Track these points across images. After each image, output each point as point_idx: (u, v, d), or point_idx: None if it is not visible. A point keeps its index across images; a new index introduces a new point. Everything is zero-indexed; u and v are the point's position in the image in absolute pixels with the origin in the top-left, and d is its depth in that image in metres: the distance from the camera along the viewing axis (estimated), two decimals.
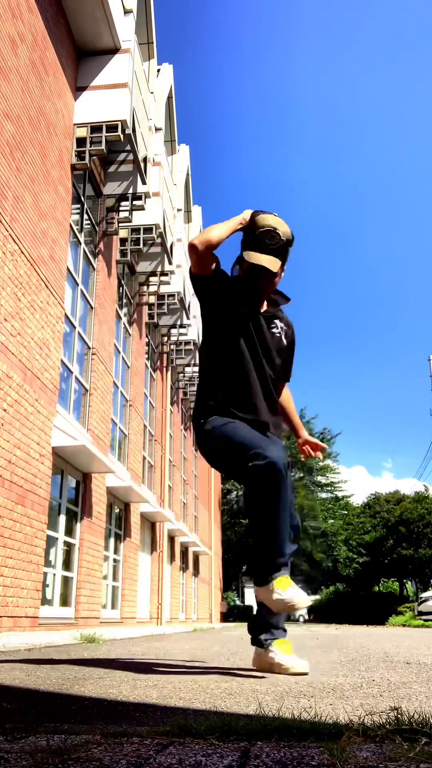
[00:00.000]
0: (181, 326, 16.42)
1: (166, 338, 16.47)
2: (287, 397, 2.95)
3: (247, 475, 2.41)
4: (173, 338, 16.68)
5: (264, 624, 2.62)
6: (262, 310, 2.70)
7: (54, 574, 8.09)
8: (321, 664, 3.06)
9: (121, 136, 9.39)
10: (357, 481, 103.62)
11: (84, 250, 9.90)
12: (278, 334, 2.71)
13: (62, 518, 8.37)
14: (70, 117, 9.07)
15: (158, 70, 14.73)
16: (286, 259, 2.63)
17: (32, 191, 7.41)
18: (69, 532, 8.67)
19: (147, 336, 14.67)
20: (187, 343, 17.49)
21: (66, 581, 8.53)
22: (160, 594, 14.46)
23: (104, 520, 9.96)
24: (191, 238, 2.78)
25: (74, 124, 9.19)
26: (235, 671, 2.66)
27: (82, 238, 9.74)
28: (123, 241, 11.76)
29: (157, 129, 13.43)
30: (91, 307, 10.08)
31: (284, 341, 2.74)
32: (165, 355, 16.74)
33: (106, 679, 2.31)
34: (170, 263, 13.83)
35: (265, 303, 2.74)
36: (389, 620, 25.14)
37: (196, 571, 21.40)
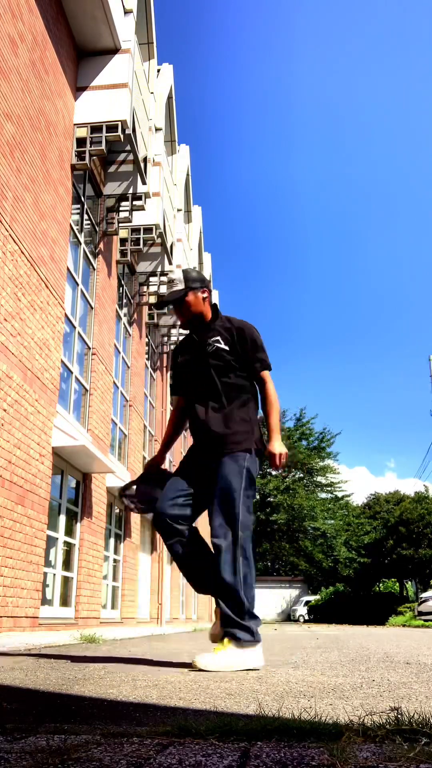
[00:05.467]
0: (182, 326, 16.40)
1: (166, 338, 16.47)
2: (265, 401, 3.13)
3: None
4: (173, 338, 16.68)
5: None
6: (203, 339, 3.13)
7: (54, 574, 8.09)
8: (321, 664, 3.06)
9: (121, 136, 9.39)
10: (359, 481, 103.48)
11: (84, 250, 9.90)
12: (212, 348, 3.07)
13: (62, 518, 8.37)
14: (70, 117, 9.07)
15: (158, 70, 14.73)
16: (187, 289, 3.11)
17: (32, 191, 7.42)
18: (69, 532, 8.67)
19: (147, 336, 14.68)
20: None
21: (66, 581, 8.53)
22: (160, 594, 14.46)
23: (104, 520, 9.97)
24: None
25: (74, 124, 9.19)
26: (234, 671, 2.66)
27: (82, 238, 9.74)
28: (123, 241, 11.76)
29: (157, 129, 13.43)
30: (91, 307, 10.08)
31: (222, 346, 3.06)
32: (165, 355, 16.74)
33: (106, 679, 2.31)
34: (170, 263, 13.83)
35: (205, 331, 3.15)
36: (389, 620, 25.12)
37: None
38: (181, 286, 3.13)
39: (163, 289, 14.55)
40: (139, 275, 13.69)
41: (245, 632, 2.74)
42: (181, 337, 16.93)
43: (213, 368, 3.04)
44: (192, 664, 2.70)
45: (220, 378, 3.03)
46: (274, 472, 34.52)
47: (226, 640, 2.74)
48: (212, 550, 2.88)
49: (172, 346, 16.93)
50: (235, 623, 2.74)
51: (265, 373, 3.10)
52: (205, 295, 3.14)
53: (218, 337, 3.07)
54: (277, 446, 2.98)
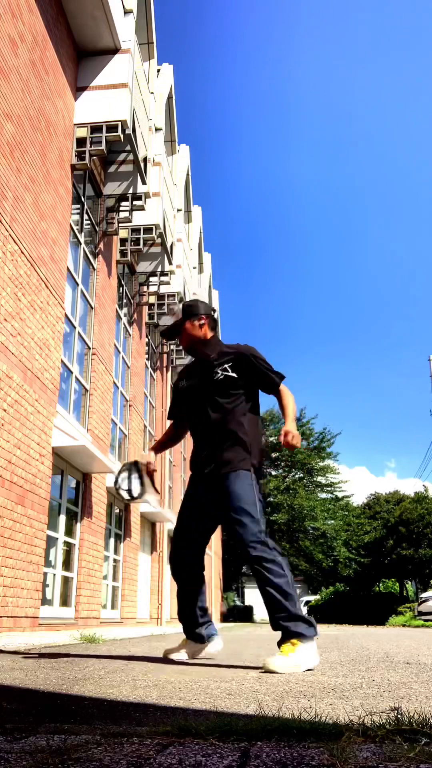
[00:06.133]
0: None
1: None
2: (282, 401, 3.26)
3: None
4: (173, 338, 16.66)
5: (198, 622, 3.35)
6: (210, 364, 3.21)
7: (54, 574, 8.09)
8: (321, 664, 3.06)
9: (121, 136, 9.39)
10: (359, 481, 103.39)
11: (84, 250, 9.90)
12: (220, 376, 3.15)
13: (62, 518, 8.37)
14: (70, 117, 9.07)
15: (158, 70, 14.73)
16: (184, 319, 3.33)
17: (32, 191, 7.41)
18: (69, 532, 8.67)
19: (147, 336, 14.68)
20: None
21: (66, 581, 8.53)
22: (160, 594, 14.46)
23: (104, 520, 9.97)
24: None
25: (74, 124, 9.19)
26: (235, 668, 2.66)
27: (82, 238, 9.74)
28: (123, 241, 11.77)
29: (157, 129, 13.44)
30: (91, 307, 10.08)
31: (230, 374, 3.15)
32: (165, 355, 16.74)
33: (106, 679, 2.31)
34: (170, 263, 13.83)
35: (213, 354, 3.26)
36: (389, 620, 25.11)
37: None
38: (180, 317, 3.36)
39: (164, 289, 14.58)
40: (139, 275, 13.69)
41: (308, 625, 2.74)
42: None
43: (218, 395, 3.13)
44: (263, 666, 2.61)
45: (224, 404, 3.13)
46: (273, 472, 34.56)
47: (294, 639, 2.69)
48: (254, 562, 2.86)
49: (173, 347, 16.93)
50: (297, 617, 2.72)
51: (282, 387, 3.24)
52: (203, 322, 3.32)
53: (226, 365, 3.16)
54: (290, 427, 3.06)
